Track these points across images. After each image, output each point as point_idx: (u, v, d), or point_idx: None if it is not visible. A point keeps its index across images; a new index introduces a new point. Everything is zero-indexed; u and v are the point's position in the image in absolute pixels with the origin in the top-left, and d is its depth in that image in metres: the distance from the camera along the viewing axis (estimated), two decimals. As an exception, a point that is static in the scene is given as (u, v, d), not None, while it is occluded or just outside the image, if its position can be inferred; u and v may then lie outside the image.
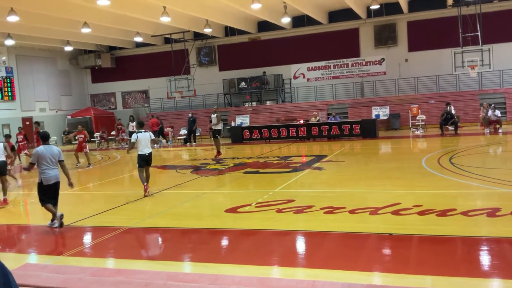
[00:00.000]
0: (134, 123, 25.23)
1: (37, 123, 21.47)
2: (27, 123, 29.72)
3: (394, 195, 8.72)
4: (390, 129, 24.92)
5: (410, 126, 24.09)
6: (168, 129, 27.54)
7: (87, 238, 7.46)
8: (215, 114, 17.22)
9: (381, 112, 25.55)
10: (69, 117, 31.43)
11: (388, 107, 25.69)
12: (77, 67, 33.79)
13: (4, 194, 10.61)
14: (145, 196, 10.17)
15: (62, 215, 7.69)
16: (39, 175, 7.84)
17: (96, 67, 33.20)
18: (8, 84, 28.58)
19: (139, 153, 10.39)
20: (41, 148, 7.79)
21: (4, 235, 8.13)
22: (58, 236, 7.64)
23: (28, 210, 10.52)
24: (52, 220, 7.85)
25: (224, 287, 3.08)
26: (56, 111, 31.86)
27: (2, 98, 28.17)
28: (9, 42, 24.84)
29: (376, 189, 9.60)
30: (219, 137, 17.24)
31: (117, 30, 26.23)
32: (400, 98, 26.20)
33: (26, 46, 28.70)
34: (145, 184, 10.35)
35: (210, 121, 18.00)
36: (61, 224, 7.65)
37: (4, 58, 28.36)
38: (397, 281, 4.66)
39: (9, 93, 28.64)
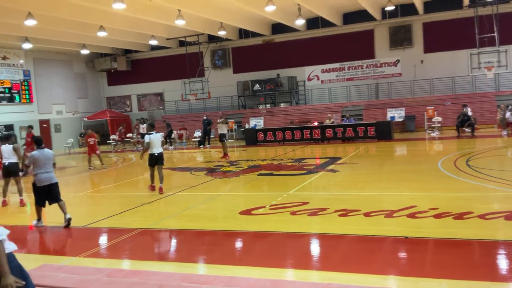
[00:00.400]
0: (145, 125, 25.55)
1: (30, 126, 21.55)
2: (44, 125, 30.18)
3: (409, 197, 8.63)
4: (405, 131, 24.69)
5: (426, 128, 23.84)
6: (181, 132, 27.70)
7: (103, 240, 7.53)
8: (221, 120, 18.36)
9: (396, 114, 25.33)
10: (85, 119, 31.80)
11: (404, 109, 25.46)
12: (94, 70, 34.19)
13: (20, 195, 10.83)
14: (150, 189, 10.97)
15: (70, 218, 8.19)
16: (33, 178, 8.21)
17: (112, 70, 33.56)
18: (26, 87, 29.05)
19: (150, 153, 10.96)
20: (36, 152, 8.15)
21: (21, 236, 8.25)
22: (74, 237, 7.73)
23: (44, 211, 10.64)
24: (38, 219, 8.41)
25: (238, 289, 3.08)
26: (73, 114, 32.27)
27: (20, 101, 28.63)
28: (27, 45, 25.25)
29: (392, 191, 9.51)
30: (225, 140, 18.09)
31: (132, 33, 26.48)
32: (416, 100, 25.95)
33: (43, 49, 29.14)
34: (153, 184, 11.07)
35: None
36: (67, 225, 8.14)
37: (21, 61, 28.84)
38: (413, 285, 4.61)
39: (27, 96, 29.10)
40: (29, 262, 5.84)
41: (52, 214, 10.16)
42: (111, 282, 3.29)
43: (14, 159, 10.72)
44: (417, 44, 26.74)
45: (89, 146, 17.63)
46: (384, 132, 21.18)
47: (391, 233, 6.43)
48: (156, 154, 10.90)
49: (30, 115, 29.13)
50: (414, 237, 6.16)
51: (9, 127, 27.62)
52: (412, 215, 7.19)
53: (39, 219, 8.42)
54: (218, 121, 18.55)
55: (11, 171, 10.74)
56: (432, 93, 26.36)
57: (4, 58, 27.71)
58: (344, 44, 27.98)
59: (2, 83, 27.51)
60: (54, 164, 8.37)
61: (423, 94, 26.50)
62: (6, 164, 10.71)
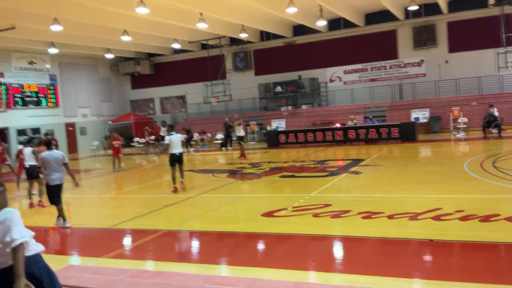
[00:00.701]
0: (165, 128, 25.91)
1: (47, 133, 21.94)
2: (70, 128, 30.79)
3: (434, 199, 8.49)
4: (430, 132, 24.29)
5: (451, 129, 23.41)
6: (203, 136, 27.87)
7: (127, 241, 7.63)
8: (237, 122, 19.30)
9: (421, 115, 24.96)
10: (110, 122, 32.31)
11: (428, 109, 25.06)
12: (118, 74, 34.75)
13: (40, 196, 11.19)
14: (174, 191, 11.30)
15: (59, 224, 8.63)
16: (46, 178, 8.56)
17: (136, 74, 34.04)
18: (52, 91, 29.71)
19: (171, 153, 11.48)
20: (45, 154, 8.49)
21: (48, 237, 8.43)
22: (98, 238, 7.86)
23: (70, 213, 10.86)
24: (58, 217, 8.67)
25: (260, 291, 3.08)
26: (98, 117, 32.83)
27: (47, 104, 29.29)
28: (53, 50, 25.83)
29: (416, 193, 9.37)
30: (242, 142, 18.91)
31: (155, 37, 26.82)
32: (441, 100, 25.52)
33: (69, 54, 29.75)
34: (175, 185, 11.49)
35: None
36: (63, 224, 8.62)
37: (48, 66, 29.50)
38: (438, 289, 4.53)
39: (53, 100, 29.76)
40: (56, 263, 5.97)
41: (76, 216, 10.37)
42: (135, 283, 3.34)
43: (34, 162, 11.04)
44: (441, 43, 26.31)
45: (114, 148, 17.95)
46: (408, 133, 20.89)
47: (416, 235, 6.34)
48: (177, 154, 11.45)
49: (56, 118, 29.76)
50: (439, 240, 6.05)
51: (36, 131, 28.27)
52: (437, 218, 7.07)
53: (64, 219, 8.67)
54: (235, 123, 19.42)
55: (32, 174, 11.12)
56: (458, 93, 25.88)
57: (31, 63, 28.40)
58: (367, 44, 27.72)
59: (29, 87, 28.19)
60: (65, 164, 8.58)
61: (448, 94, 26.05)
62: (28, 166, 11.14)
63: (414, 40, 26.86)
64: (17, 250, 2.80)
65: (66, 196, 12.73)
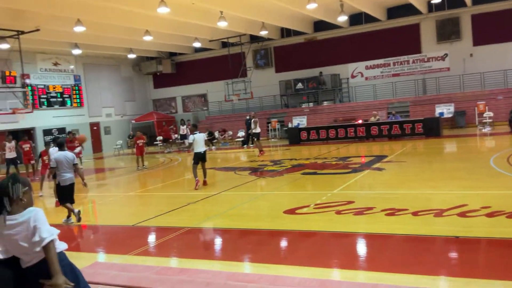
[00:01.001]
0: (184, 126, 26.26)
1: (70, 132, 22.38)
2: (95, 128, 31.32)
3: (460, 196, 8.34)
4: (455, 127, 23.86)
5: (477, 123, 22.95)
6: (224, 134, 27.97)
7: (152, 238, 7.73)
8: (253, 120, 19.68)
9: (445, 110, 24.52)
10: (133, 121, 32.72)
11: (453, 104, 24.60)
12: (140, 74, 35.16)
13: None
14: (196, 188, 11.61)
15: (79, 211, 8.81)
16: (57, 178, 8.79)
17: (158, 73, 34.38)
18: (77, 91, 30.26)
19: (195, 151, 11.97)
20: (58, 154, 8.74)
21: (75, 235, 8.61)
22: (124, 236, 7.99)
23: (96, 211, 11.06)
24: (68, 217, 8.93)
25: (283, 288, 3.08)
26: (121, 116, 33.30)
27: (71, 105, 29.84)
28: (77, 51, 26.31)
29: (441, 190, 9.22)
30: (258, 139, 19.64)
31: (176, 36, 27.03)
32: (466, 95, 25.02)
33: (92, 54, 30.24)
34: (196, 178, 11.83)
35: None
36: (79, 219, 8.77)
37: (72, 67, 30.05)
38: (465, 286, 4.46)
39: (78, 100, 30.30)
40: (82, 260, 6.09)
41: (102, 214, 10.56)
42: (159, 280, 3.39)
43: None
44: (465, 37, 25.77)
45: (138, 147, 18.18)
46: (432, 128, 20.56)
47: (441, 232, 6.24)
48: (201, 152, 11.93)
49: (81, 118, 30.30)
50: (465, 237, 5.95)
51: (61, 130, 28.84)
52: (462, 214, 6.95)
53: (68, 216, 9.00)
54: (253, 120, 19.75)
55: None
56: (483, 87, 25.32)
57: (56, 64, 28.96)
58: (389, 39, 27.36)
59: (54, 88, 28.77)
60: (75, 164, 8.81)
61: (473, 88, 25.50)
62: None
63: (437, 33, 26.38)
64: (48, 248, 2.87)
65: (91, 194, 13.00)
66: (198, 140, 11.93)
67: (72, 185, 8.81)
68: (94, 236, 8.57)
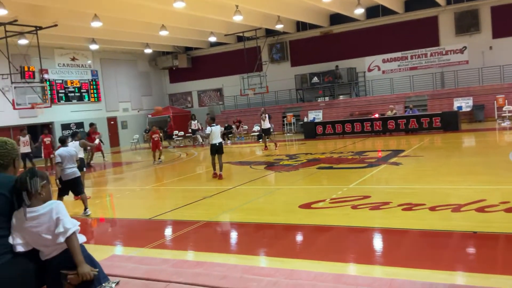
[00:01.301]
0: (196, 121, 26.43)
1: (92, 124, 22.70)
2: (112, 122, 31.65)
3: (478, 191, 8.23)
4: (473, 122, 23.51)
5: (496, 117, 22.57)
6: (238, 124, 28.01)
7: (168, 231, 7.81)
8: (263, 115, 19.72)
9: (464, 104, 24.16)
10: (149, 116, 32.98)
11: (471, 98, 24.22)
12: (156, 68, 35.36)
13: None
14: (214, 176, 12.43)
15: (89, 214, 9.17)
16: (60, 172, 8.92)
17: (174, 68, 34.54)
18: (94, 86, 30.60)
19: (211, 143, 12.48)
20: (62, 150, 9.02)
21: (93, 228, 8.74)
22: (141, 229, 8.08)
23: (113, 204, 11.21)
24: (85, 209, 9.21)
25: (299, 282, 3.09)
26: (138, 111, 33.58)
27: (89, 99, 30.20)
28: (94, 46, 26.57)
29: (459, 185, 9.11)
30: (266, 135, 20.02)
31: (192, 31, 27.09)
32: (485, 88, 24.60)
33: (109, 50, 30.50)
34: (215, 170, 12.47)
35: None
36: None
37: (89, 61, 30.37)
38: (483, 281, 4.41)
39: (95, 95, 30.65)
40: (100, 252, 6.18)
41: (119, 207, 10.69)
42: (176, 273, 3.42)
43: (81, 155, 11.49)
44: (485, 29, 25.31)
45: (153, 142, 18.32)
46: (450, 122, 20.29)
47: (459, 228, 6.18)
48: (217, 144, 12.35)
49: (98, 113, 30.65)
50: (483, 232, 5.88)
51: (79, 125, 29.23)
52: (481, 209, 6.86)
53: (85, 208, 9.22)
54: (263, 115, 19.81)
55: (80, 166, 11.38)
56: (503, 80, 24.87)
57: (73, 59, 29.30)
58: (407, 32, 27.02)
59: (72, 83, 29.13)
60: (77, 161, 9.13)
61: (492, 82, 25.06)
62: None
63: (456, 26, 25.96)
64: (71, 239, 2.92)
65: (108, 188, 13.17)
66: (215, 132, 12.39)
67: (75, 179, 9.02)
68: (112, 229, 8.69)
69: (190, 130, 27.30)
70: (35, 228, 2.91)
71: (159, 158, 18.41)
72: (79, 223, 3.03)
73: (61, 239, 2.91)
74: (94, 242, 7.35)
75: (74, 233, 2.94)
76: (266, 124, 19.69)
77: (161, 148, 18.67)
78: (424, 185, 9.29)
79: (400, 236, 6.23)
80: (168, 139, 28.23)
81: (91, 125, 20.56)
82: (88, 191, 11.57)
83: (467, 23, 25.65)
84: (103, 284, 3.09)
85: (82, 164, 11.51)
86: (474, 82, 25.58)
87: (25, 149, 16.89)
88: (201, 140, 25.95)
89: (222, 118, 30.97)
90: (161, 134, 19.45)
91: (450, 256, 5.22)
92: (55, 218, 2.92)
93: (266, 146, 19.81)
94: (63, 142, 9.42)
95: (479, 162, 11.69)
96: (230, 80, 32.27)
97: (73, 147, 11.30)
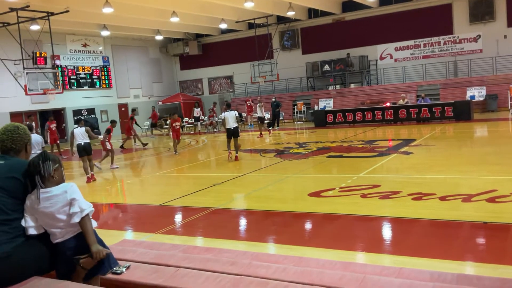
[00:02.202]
0: (198, 109, 27.14)
1: (134, 109, 23.39)
2: (123, 109, 31.78)
3: (490, 181, 8.17)
4: (486, 111, 23.24)
5: (509, 107, 22.28)
6: (249, 103, 27.98)
7: (178, 217, 7.87)
8: (259, 104, 21.59)
9: (477, 93, 23.87)
10: (160, 103, 33.05)
11: (485, 87, 23.91)
12: (167, 55, 35.35)
13: (92, 170, 12.12)
14: (229, 155, 13.32)
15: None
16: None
17: (184, 55, 34.50)
18: (105, 72, 30.70)
19: (226, 127, 13.33)
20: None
21: (104, 213, 8.83)
22: (151, 215, 8.16)
23: (124, 190, 11.31)
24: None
25: (308, 270, 3.10)
26: (149, 98, 33.66)
27: (100, 86, 30.33)
28: (105, 33, 26.62)
29: (470, 175, 9.04)
30: (261, 123, 21.40)
31: (203, 17, 26.98)
32: (498, 78, 24.25)
33: (120, 36, 30.52)
34: (229, 151, 13.50)
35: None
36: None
37: (101, 48, 30.43)
38: (492, 272, 4.40)
39: (106, 81, 30.76)
40: (111, 237, 6.25)
41: (130, 193, 10.78)
42: (186, 258, 3.45)
43: (87, 140, 11.93)
44: (500, 17, 24.87)
45: (174, 130, 16.68)
46: (463, 112, 20.08)
47: (469, 218, 6.15)
48: (232, 128, 13.24)
49: (109, 99, 30.79)
50: (493, 223, 5.84)
51: (91, 111, 29.41)
52: (492, 200, 6.82)
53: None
54: (258, 105, 21.75)
55: (86, 150, 11.88)
56: (517, 70, 24.50)
57: (85, 45, 29.38)
58: (420, 20, 26.64)
59: (84, 69, 29.25)
60: (43, 148, 9.31)
61: (506, 71, 24.67)
62: (82, 144, 11.87)
63: (470, 14, 25.54)
64: (85, 220, 2.97)
65: (119, 174, 13.27)
66: (229, 117, 13.28)
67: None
68: (123, 215, 8.78)
69: (192, 119, 27.52)
70: (49, 209, 2.95)
71: (175, 151, 16.69)
72: (92, 205, 3.08)
73: (76, 219, 2.95)
74: (105, 227, 7.43)
75: (88, 214, 2.99)
76: (261, 113, 21.56)
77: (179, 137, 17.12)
78: (435, 175, 9.24)
79: (409, 225, 6.22)
80: (152, 127, 28.05)
81: (134, 110, 22.35)
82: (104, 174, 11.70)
83: (481, 11, 25.22)
84: (114, 268, 3.13)
85: (89, 148, 11.93)
86: (488, 71, 25.23)
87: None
88: (211, 128, 26.06)
89: (233, 105, 30.85)
90: (181, 122, 18.42)
91: (459, 246, 5.21)
92: (70, 198, 2.97)
93: (261, 134, 20.82)
94: (30, 129, 9.78)
95: (491, 152, 11.58)
96: (241, 68, 32.16)
97: (80, 133, 11.87)
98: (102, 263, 3.02)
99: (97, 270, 3.02)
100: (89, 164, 12.04)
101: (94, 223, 3.10)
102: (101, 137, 14.13)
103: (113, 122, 15.66)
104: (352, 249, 5.43)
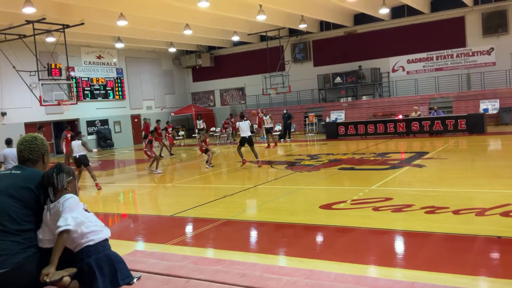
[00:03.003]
0: (201, 121, 27.67)
1: (158, 120, 23.53)
2: (136, 120, 32.05)
3: (504, 195, 8.06)
4: (500, 124, 23.00)
5: (524, 120, 22.03)
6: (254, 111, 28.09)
7: (189, 228, 7.88)
8: (268, 116, 22.23)
9: (490, 106, 23.67)
10: (172, 114, 33.27)
11: (498, 100, 23.70)
12: (180, 67, 35.67)
13: (94, 180, 12.46)
14: (243, 165, 14.29)
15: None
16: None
17: (197, 67, 34.78)
18: (119, 84, 31.05)
19: (241, 135, 14.58)
20: (6, 150, 10.08)
21: (115, 224, 8.87)
22: (162, 226, 8.17)
23: (136, 200, 11.36)
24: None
25: (319, 283, 3.09)
26: (161, 109, 33.92)
27: (114, 97, 30.65)
28: (119, 45, 26.97)
29: (484, 188, 8.94)
30: (270, 133, 21.90)
31: (216, 30, 27.23)
32: (512, 91, 24.05)
33: (134, 48, 30.91)
34: (243, 159, 14.44)
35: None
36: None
37: (115, 60, 30.82)
38: (505, 287, 4.33)
39: (120, 93, 31.09)
40: (122, 248, 6.27)
41: (142, 204, 10.82)
42: (197, 269, 3.45)
43: (83, 152, 12.35)
44: (514, 30, 24.71)
45: (206, 144, 15.57)
46: (476, 125, 19.89)
47: (482, 232, 6.06)
48: (246, 137, 14.38)
49: (123, 110, 31.09)
50: (508, 237, 5.76)
51: (104, 122, 29.70)
52: (506, 214, 6.72)
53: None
54: (265, 117, 22.20)
55: (82, 162, 12.32)
56: (532, 82, 24.26)
57: (99, 57, 29.79)
58: (432, 32, 26.59)
59: (98, 80, 29.62)
60: (75, 158, 10.07)
61: (520, 84, 24.47)
62: (77, 156, 12.27)
63: (483, 27, 25.43)
64: (60, 236, 2.89)
65: (130, 184, 13.34)
66: (243, 127, 14.51)
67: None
68: (134, 225, 8.81)
69: (196, 130, 27.86)
70: (55, 221, 2.98)
71: (208, 162, 15.50)
72: (83, 220, 3.01)
73: (56, 232, 2.92)
74: (116, 237, 7.45)
75: (64, 231, 2.89)
76: (269, 124, 22.12)
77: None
78: (448, 188, 9.14)
79: (422, 239, 6.15)
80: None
81: (158, 121, 22.55)
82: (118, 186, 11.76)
83: (494, 24, 25.10)
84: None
85: (86, 160, 12.39)
86: (501, 84, 25.02)
87: None
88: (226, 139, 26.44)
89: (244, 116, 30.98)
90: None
91: (473, 261, 5.14)
92: (60, 210, 2.97)
93: (268, 145, 21.23)
94: (8, 143, 10.33)
95: (505, 166, 11.43)
96: (253, 80, 32.30)
97: (76, 146, 12.30)
98: (96, 279, 2.93)
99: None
100: (91, 175, 12.50)
101: (100, 236, 3.03)
102: (95, 150, 14.80)
103: (152, 132, 16.42)
104: (364, 262, 5.38)
